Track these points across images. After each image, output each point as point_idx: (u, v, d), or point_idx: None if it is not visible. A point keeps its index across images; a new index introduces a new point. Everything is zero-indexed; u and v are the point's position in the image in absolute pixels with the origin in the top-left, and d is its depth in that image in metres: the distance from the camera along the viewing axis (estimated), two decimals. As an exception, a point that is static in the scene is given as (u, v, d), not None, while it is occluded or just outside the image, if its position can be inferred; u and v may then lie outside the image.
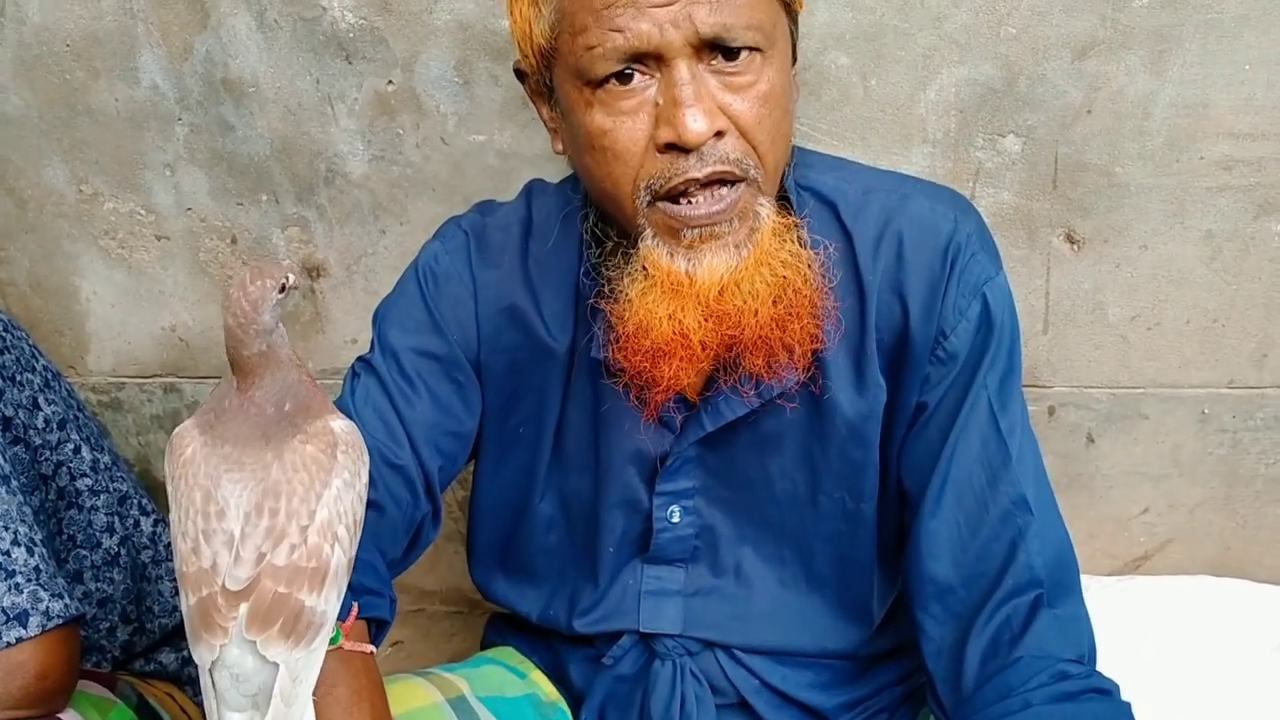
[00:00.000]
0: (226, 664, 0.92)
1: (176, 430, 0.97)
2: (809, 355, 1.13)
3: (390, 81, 1.62)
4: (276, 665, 0.92)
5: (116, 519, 1.52)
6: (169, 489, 0.96)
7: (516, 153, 1.65)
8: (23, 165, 1.75)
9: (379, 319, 1.27)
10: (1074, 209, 1.59)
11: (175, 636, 1.65)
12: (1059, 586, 1.13)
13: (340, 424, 0.98)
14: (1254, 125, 1.51)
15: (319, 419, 0.96)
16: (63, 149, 1.74)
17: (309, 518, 0.93)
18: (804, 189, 1.17)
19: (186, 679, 1.67)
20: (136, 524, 1.55)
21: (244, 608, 0.91)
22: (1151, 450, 1.75)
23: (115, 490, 1.53)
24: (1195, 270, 1.61)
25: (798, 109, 1.54)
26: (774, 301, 1.07)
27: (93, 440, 1.52)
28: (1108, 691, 1.09)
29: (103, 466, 1.52)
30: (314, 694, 0.97)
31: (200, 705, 1.67)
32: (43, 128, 1.72)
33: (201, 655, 0.92)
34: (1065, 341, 1.69)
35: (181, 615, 1.54)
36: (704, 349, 1.08)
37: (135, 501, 1.56)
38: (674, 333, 1.07)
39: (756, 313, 1.06)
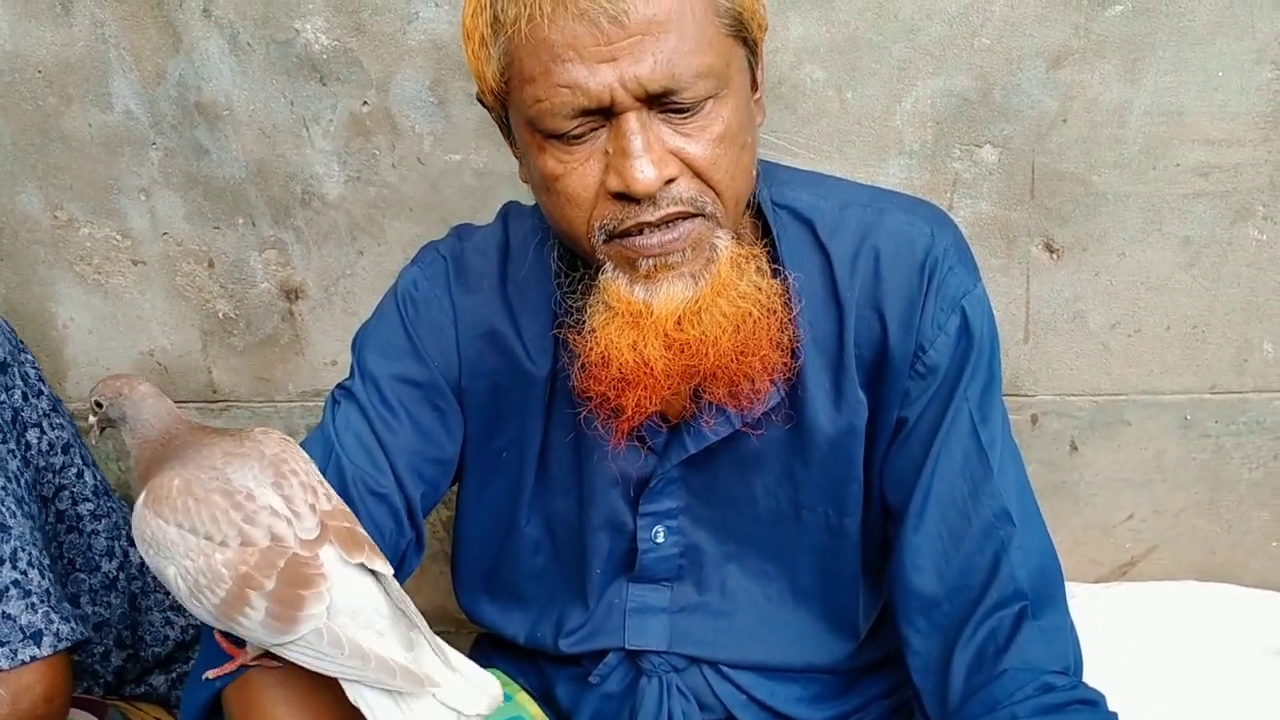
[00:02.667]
0: (339, 607, 0.97)
1: (144, 493, 1.02)
2: (770, 385, 1.14)
3: (365, 102, 1.62)
4: (376, 577, 1.01)
5: (115, 544, 1.53)
6: (166, 538, 0.99)
7: (493, 171, 1.65)
8: (-3, 192, 1.75)
9: (358, 345, 1.27)
10: (1052, 218, 1.60)
11: (167, 661, 1.64)
12: (1042, 598, 1.14)
13: (256, 429, 1.09)
14: (1229, 131, 1.51)
15: (235, 431, 1.08)
16: (37, 175, 1.73)
17: (314, 473, 1.04)
18: (780, 206, 1.17)
19: (175, 702, 1.67)
20: (126, 554, 1.55)
21: (327, 549, 0.98)
22: (1135, 457, 1.76)
23: (114, 515, 1.54)
24: (1174, 277, 1.62)
25: (775, 123, 1.54)
26: (734, 331, 1.07)
27: (94, 466, 1.53)
28: (1093, 702, 1.10)
29: (103, 492, 1.53)
30: None
31: None
32: (16, 154, 1.71)
33: (312, 614, 0.96)
34: (1046, 350, 1.69)
35: (167, 651, 1.55)
36: (666, 378, 1.08)
37: (125, 532, 1.56)
38: (635, 362, 1.07)
39: (716, 341, 1.07)
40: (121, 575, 1.54)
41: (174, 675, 1.66)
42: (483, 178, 1.66)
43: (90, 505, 1.50)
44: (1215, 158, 1.53)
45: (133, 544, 1.58)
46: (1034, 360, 1.70)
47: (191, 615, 1.66)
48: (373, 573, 1.01)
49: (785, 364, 1.13)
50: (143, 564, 1.59)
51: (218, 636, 1.10)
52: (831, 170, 1.55)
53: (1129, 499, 1.80)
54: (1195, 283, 1.62)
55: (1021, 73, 1.51)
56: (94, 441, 1.16)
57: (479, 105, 1.56)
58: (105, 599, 1.53)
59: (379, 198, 1.69)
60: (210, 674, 1.09)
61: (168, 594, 1.65)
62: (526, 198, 1.32)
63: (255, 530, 0.97)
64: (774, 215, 1.16)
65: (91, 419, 1.12)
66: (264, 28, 1.58)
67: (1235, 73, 1.48)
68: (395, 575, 1.24)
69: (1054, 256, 1.62)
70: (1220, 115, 1.51)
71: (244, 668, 1.08)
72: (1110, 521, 1.82)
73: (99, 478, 1.53)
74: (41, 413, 1.46)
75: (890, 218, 1.17)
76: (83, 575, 1.50)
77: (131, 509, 1.60)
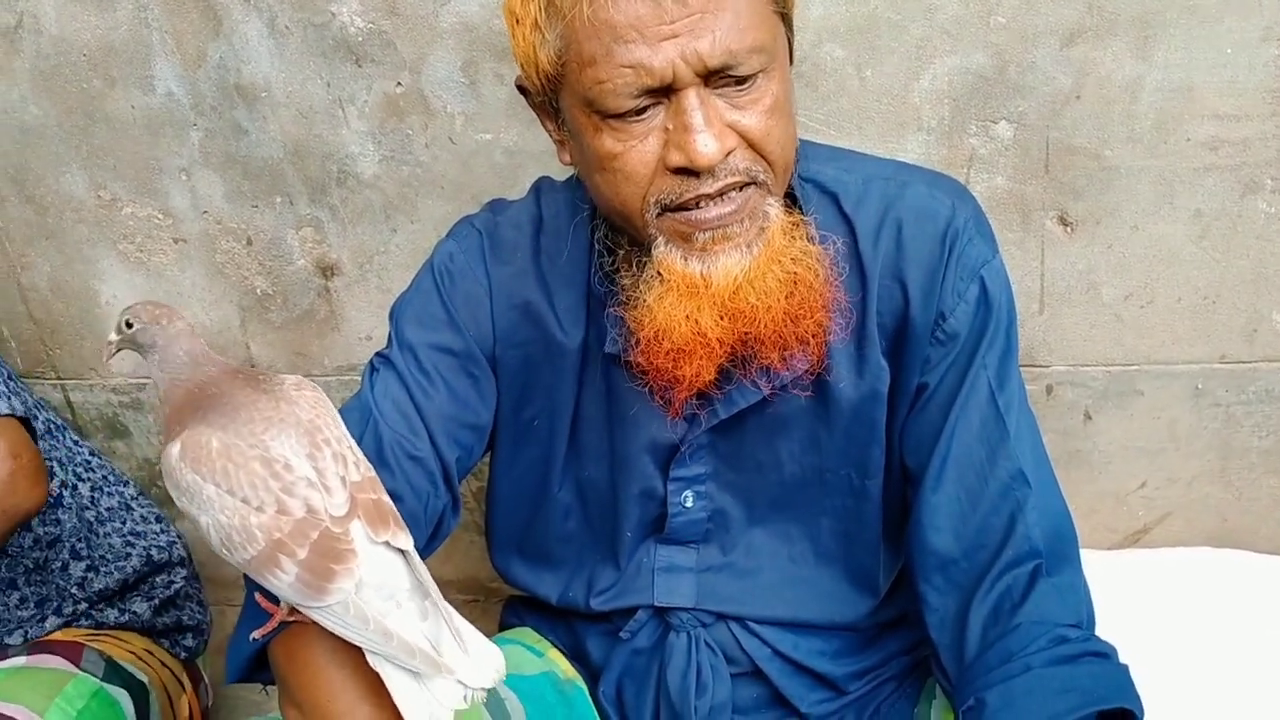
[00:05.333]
0: (368, 580, 0.99)
1: (178, 444, 1.02)
2: (823, 346, 1.17)
3: (399, 83, 1.66)
4: (402, 554, 1.02)
5: (56, 465, 1.58)
6: (203, 493, 1.00)
7: (523, 150, 1.69)
8: (42, 173, 1.80)
9: (396, 316, 1.30)
10: (1066, 192, 1.63)
11: (140, 584, 1.69)
12: (1057, 556, 1.17)
13: (287, 377, 1.08)
14: (1238, 107, 1.54)
15: (269, 378, 1.07)
16: (81, 156, 1.78)
17: (345, 438, 1.05)
18: (806, 180, 1.21)
19: (161, 629, 1.72)
20: (75, 488, 1.61)
21: (356, 525, 1.00)
22: (1147, 425, 1.78)
23: (64, 449, 1.62)
24: (1185, 249, 1.65)
25: (795, 100, 1.57)
26: (787, 297, 1.10)
27: (27, 406, 1.58)
28: (1105, 654, 1.13)
29: (46, 429, 1.61)
30: (342, 671, 1.08)
31: (178, 656, 1.72)
32: (61, 136, 1.76)
33: (342, 587, 0.98)
34: (1061, 321, 1.72)
35: (134, 568, 1.59)
36: (721, 345, 1.11)
37: (71, 469, 1.63)
38: (693, 333, 1.10)
39: (770, 309, 1.09)
40: (66, 494, 1.61)
41: (156, 601, 1.71)
42: (512, 156, 1.70)
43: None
44: (1225, 132, 1.56)
45: (80, 478, 1.67)
46: (1048, 331, 1.73)
47: (154, 540, 1.72)
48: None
49: (835, 325, 1.16)
50: (94, 496, 1.66)
51: (258, 597, 1.14)
52: (851, 147, 1.58)
53: (1142, 467, 1.83)
54: (1206, 255, 1.65)
55: (1036, 50, 1.54)
56: (106, 363, 1.12)
57: (510, 87, 1.61)
58: (54, 516, 1.60)
59: (412, 176, 1.73)
60: (256, 634, 1.12)
61: (124, 521, 1.72)
62: (556, 174, 1.36)
63: (292, 500, 0.99)
64: (801, 188, 1.20)
65: (114, 337, 1.09)
66: (301, 11, 1.62)
67: (1244, 49, 1.50)
68: (434, 538, 1.29)
69: (1068, 230, 1.65)
70: (1229, 91, 1.53)
71: (284, 624, 1.11)
72: (1123, 489, 1.85)
73: (28, 412, 1.59)
74: None
75: (912, 190, 1.20)
76: None
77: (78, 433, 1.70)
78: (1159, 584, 1.73)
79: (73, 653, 1.52)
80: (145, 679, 1.56)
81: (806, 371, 1.20)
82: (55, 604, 1.60)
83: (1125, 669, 1.13)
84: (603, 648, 1.40)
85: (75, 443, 1.73)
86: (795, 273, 1.11)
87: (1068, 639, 1.12)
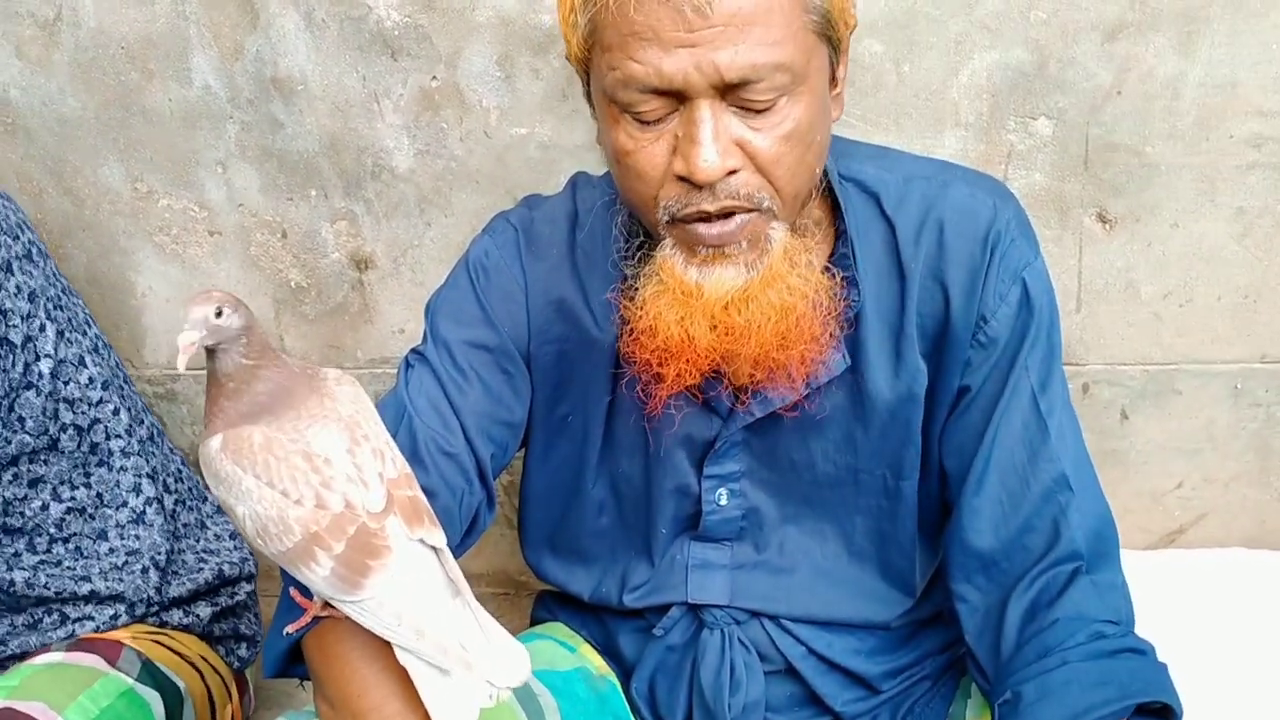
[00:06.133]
0: (403, 577, 1.00)
1: (220, 437, 1.01)
2: (806, 376, 1.16)
3: (434, 77, 1.66)
4: (435, 551, 1.03)
5: (142, 480, 1.58)
6: (242, 484, 1.00)
7: (557, 144, 1.69)
8: (80, 165, 1.80)
9: (431, 311, 1.30)
10: (1105, 189, 1.61)
11: (209, 594, 1.70)
12: (1098, 555, 1.17)
13: (329, 371, 1.09)
14: (1282, 103, 1.53)
15: (315, 372, 1.07)
16: (118, 148, 1.79)
17: (382, 434, 1.05)
18: (846, 179, 1.20)
19: (219, 636, 1.72)
20: (161, 499, 1.61)
21: (392, 520, 1.00)
22: (1185, 425, 1.77)
23: (149, 458, 1.60)
24: (1226, 247, 1.63)
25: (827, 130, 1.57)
26: (778, 321, 1.10)
27: (133, 411, 1.59)
28: (1143, 651, 1.13)
29: (138, 436, 1.59)
30: (374, 666, 1.08)
31: (231, 665, 1.72)
32: (99, 128, 1.77)
33: (376, 583, 0.99)
34: (1098, 319, 1.71)
35: (206, 580, 1.60)
36: (707, 355, 1.12)
37: (163, 477, 1.63)
38: (681, 336, 1.10)
39: (760, 330, 1.09)
40: (149, 510, 1.60)
41: (219, 608, 1.71)
42: (547, 150, 1.70)
43: (121, 443, 1.55)
44: (1268, 129, 1.54)
45: (168, 489, 1.64)
46: (1086, 329, 1.72)
47: (226, 556, 1.72)
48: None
49: (821, 360, 1.16)
50: (175, 510, 1.65)
51: (292, 592, 1.14)
52: (888, 142, 1.57)
53: (1179, 467, 1.82)
54: (1247, 253, 1.63)
55: (1076, 46, 1.53)
56: (184, 363, 1.01)
57: (545, 80, 1.61)
58: (133, 533, 1.59)
59: (446, 170, 1.74)
60: (289, 629, 1.12)
61: (199, 539, 1.72)
62: (590, 168, 1.36)
63: (331, 495, 0.99)
64: (840, 188, 1.19)
65: (193, 334, 0.99)
66: (338, 5, 1.63)
67: (1290, 45, 1.49)
68: (469, 533, 1.29)
69: (1107, 227, 1.64)
70: (1274, 87, 1.52)
71: (317, 619, 1.12)
72: (1160, 489, 1.84)
73: (135, 423, 1.59)
74: (85, 349, 1.53)
75: (954, 190, 1.19)
76: (110, 511, 1.55)
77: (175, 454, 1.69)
78: (1193, 585, 1.72)
79: (111, 651, 1.52)
80: (182, 685, 1.56)
81: (843, 372, 1.20)
82: (129, 604, 1.61)
83: (1164, 666, 1.12)
84: (635, 644, 1.40)
85: (170, 450, 1.72)
86: (789, 301, 1.10)
87: (1105, 635, 1.12)
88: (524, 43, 1.62)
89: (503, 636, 1.02)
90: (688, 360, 1.12)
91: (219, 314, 0.99)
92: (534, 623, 1.55)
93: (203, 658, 1.65)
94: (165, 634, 1.62)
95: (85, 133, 1.78)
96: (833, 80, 1.11)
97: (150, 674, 1.51)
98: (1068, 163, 1.60)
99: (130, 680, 1.48)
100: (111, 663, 1.50)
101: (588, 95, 1.15)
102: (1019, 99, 1.57)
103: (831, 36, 1.07)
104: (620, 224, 1.22)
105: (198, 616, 1.67)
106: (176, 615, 1.64)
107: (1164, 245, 1.64)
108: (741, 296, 1.08)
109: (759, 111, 1.03)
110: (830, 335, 1.15)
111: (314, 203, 1.79)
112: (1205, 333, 1.70)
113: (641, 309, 1.12)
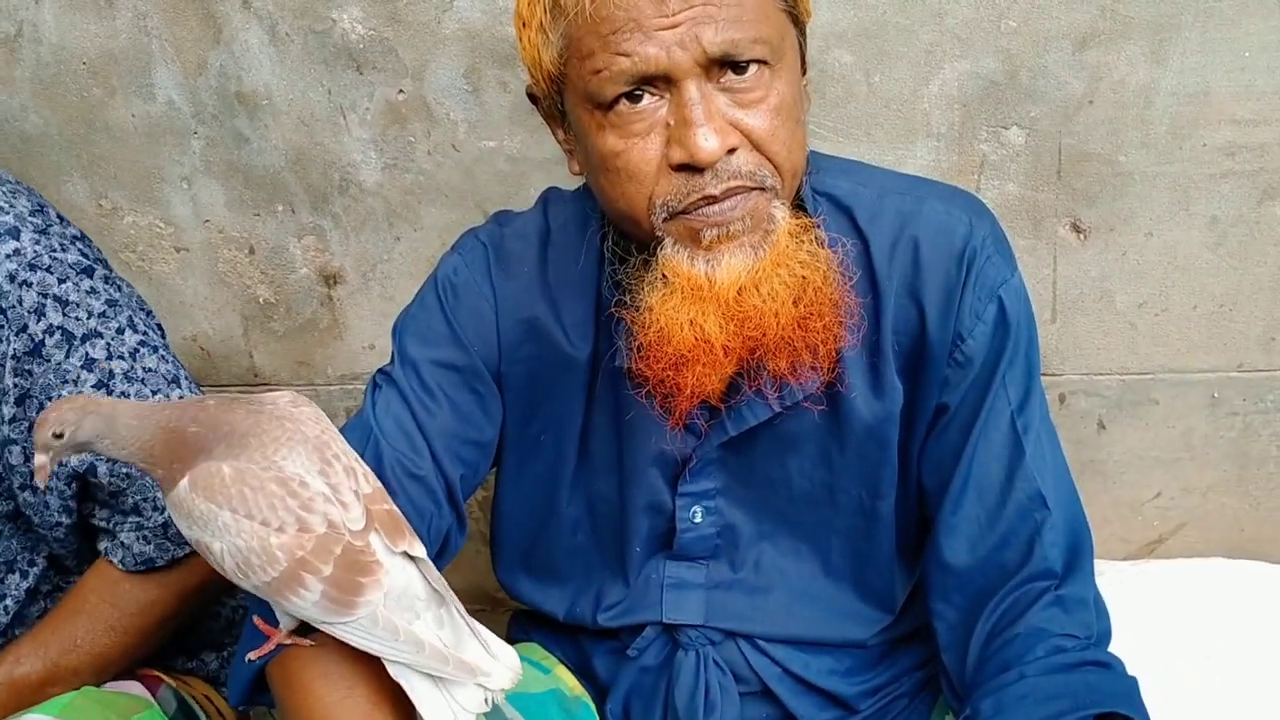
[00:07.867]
0: (393, 592, 1.00)
1: (186, 479, 1.01)
2: (833, 354, 1.15)
3: (401, 91, 1.65)
4: (416, 561, 1.03)
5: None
6: (218, 520, 0.99)
7: (526, 157, 1.68)
8: (43, 182, 1.78)
9: (399, 331, 1.28)
10: (1079, 198, 1.61)
11: (218, 637, 1.68)
12: (1070, 570, 1.17)
13: (278, 395, 1.08)
14: (1255, 111, 1.52)
15: (257, 399, 1.06)
16: (82, 165, 1.76)
17: (351, 452, 1.06)
18: (819, 194, 1.19)
19: (223, 679, 1.71)
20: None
21: (374, 537, 1.00)
22: (1162, 435, 1.77)
23: None
24: (1201, 256, 1.63)
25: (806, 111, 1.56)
26: (795, 302, 1.09)
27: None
28: (1106, 664, 1.12)
29: None
30: (336, 694, 1.07)
31: (239, 710, 1.71)
32: (62, 144, 1.75)
33: (370, 600, 0.98)
34: (1074, 330, 1.71)
35: (219, 626, 1.59)
36: (726, 353, 1.09)
37: None
38: (695, 339, 1.08)
39: (777, 314, 1.08)
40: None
41: (225, 654, 1.70)
42: (516, 163, 1.68)
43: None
44: (1242, 137, 1.54)
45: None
46: (1061, 340, 1.71)
47: (240, 597, 1.70)
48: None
49: (846, 333, 1.14)
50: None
51: (256, 619, 1.13)
52: (859, 153, 1.56)
53: (1157, 477, 1.81)
54: (1222, 262, 1.63)
55: (1048, 55, 1.52)
56: (44, 483, 1.03)
57: (514, 93, 1.59)
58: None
59: (415, 184, 1.72)
60: (251, 655, 1.11)
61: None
62: (559, 181, 1.34)
63: (312, 517, 0.98)
64: (813, 202, 1.18)
65: (42, 458, 1.02)
66: (302, 18, 1.61)
67: (1262, 53, 1.48)
68: (440, 556, 1.28)
69: (1081, 237, 1.64)
70: (1247, 95, 1.51)
71: (281, 646, 1.11)
72: (1138, 499, 1.84)
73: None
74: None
75: (929, 206, 1.19)
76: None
77: None
78: (1173, 595, 1.72)
79: (152, 685, 1.52)
80: None
81: (820, 386, 1.18)
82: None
83: (1130, 679, 1.12)
84: (610, 665, 1.39)
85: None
86: (803, 276, 1.09)
87: (1064, 649, 1.12)
88: (491, 55, 1.60)
89: (491, 639, 1.04)
90: (705, 365, 1.10)
91: (58, 435, 1.01)
92: (509, 643, 1.53)
93: (207, 698, 1.65)
94: (175, 676, 1.61)
95: (48, 149, 1.76)
96: (803, 66, 1.13)
97: (186, 714, 1.51)
98: (1041, 172, 1.59)
99: (167, 717, 1.48)
100: (153, 694, 1.50)
101: (556, 119, 1.14)
102: (991, 109, 1.56)
103: (799, 20, 1.09)
104: (609, 245, 1.21)
105: (203, 661, 1.66)
106: (181, 660, 1.64)
107: (1139, 254, 1.63)
108: (752, 280, 1.07)
109: (745, 89, 1.04)
110: (853, 304, 1.14)
111: (281, 218, 1.77)
112: (1181, 342, 1.69)
113: (648, 317, 1.10)
